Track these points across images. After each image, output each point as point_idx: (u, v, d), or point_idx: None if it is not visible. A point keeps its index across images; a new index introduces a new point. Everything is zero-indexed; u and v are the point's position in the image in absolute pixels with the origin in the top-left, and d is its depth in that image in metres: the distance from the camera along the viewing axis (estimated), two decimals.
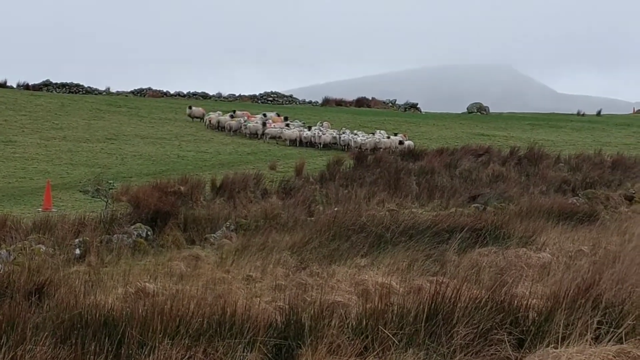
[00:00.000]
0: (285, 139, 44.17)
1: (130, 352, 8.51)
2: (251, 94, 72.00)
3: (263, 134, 45.59)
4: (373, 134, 43.79)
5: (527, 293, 9.96)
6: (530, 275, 12.32)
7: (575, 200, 25.97)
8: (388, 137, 42.66)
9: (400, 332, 8.62)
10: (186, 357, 8.37)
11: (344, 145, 42.09)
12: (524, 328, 8.81)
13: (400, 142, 41.29)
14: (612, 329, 8.61)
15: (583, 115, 70.05)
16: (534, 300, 9.47)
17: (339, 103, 71.79)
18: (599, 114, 71.13)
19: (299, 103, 71.44)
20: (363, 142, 41.61)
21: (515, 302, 9.18)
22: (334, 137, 42.97)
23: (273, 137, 44.67)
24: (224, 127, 48.25)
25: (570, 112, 72.90)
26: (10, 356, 8.20)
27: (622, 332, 8.57)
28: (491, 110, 72.86)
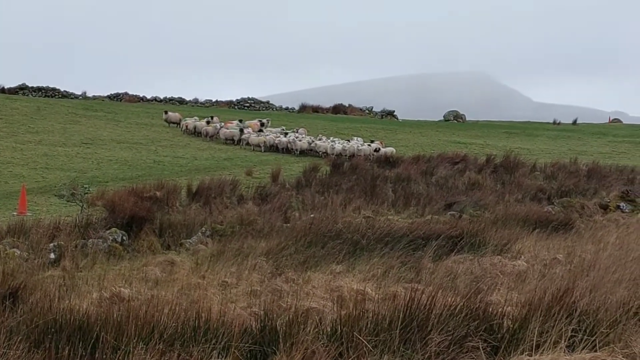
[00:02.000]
0: (259, 145, 44.12)
1: (105, 356, 8.47)
2: (227, 99, 71.98)
3: (239, 140, 45.52)
4: (348, 140, 43.83)
5: (502, 301, 10.00)
6: (506, 283, 12.36)
7: (550, 209, 26.11)
8: (368, 144, 42.71)
9: (376, 339, 8.62)
10: None
11: (321, 152, 42.11)
12: (499, 335, 8.83)
13: (376, 150, 41.31)
14: (586, 337, 8.65)
15: (559, 124, 70.47)
16: (509, 307, 9.51)
17: (316, 110, 71.87)
18: (575, 122, 71.58)
19: (276, 109, 71.43)
20: (343, 149, 41.63)
21: (490, 309, 9.20)
22: (310, 144, 43.00)
23: (251, 144, 44.58)
24: (200, 133, 48.17)
25: (546, 121, 73.33)
26: None
27: (595, 340, 8.62)
28: (468, 118, 73.18)
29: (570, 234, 19.81)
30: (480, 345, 8.59)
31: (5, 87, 67.54)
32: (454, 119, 71.44)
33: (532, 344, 8.48)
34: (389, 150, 42.10)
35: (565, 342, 8.47)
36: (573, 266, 13.57)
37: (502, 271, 13.85)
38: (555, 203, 28.37)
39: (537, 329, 8.62)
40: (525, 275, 13.26)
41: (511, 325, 8.93)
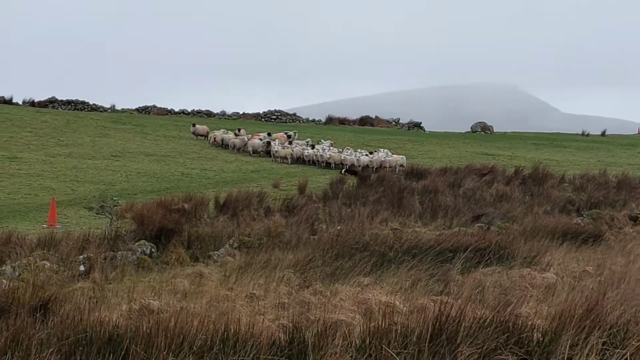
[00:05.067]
0: (286, 157, 44.22)
1: None
2: (255, 112, 72.14)
3: (268, 152, 45.63)
4: (371, 153, 43.72)
5: (531, 313, 9.94)
6: (535, 295, 12.29)
7: (579, 221, 25.97)
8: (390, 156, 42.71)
9: (404, 352, 8.60)
10: None
11: (347, 165, 42.10)
12: (529, 348, 8.78)
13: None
14: (617, 350, 8.59)
15: (588, 135, 70.06)
16: (539, 320, 9.46)
17: (343, 122, 71.84)
18: (603, 134, 71.16)
19: (303, 121, 71.49)
20: (370, 161, 41.61)
21: (520, 322, 9.15)
22: (337, 156, 43.01)
23: (280, 157, 44.66)
24: (227, 145, 48.34)
25: (574, 132, 72.92)
26: None
27: (627, 353, 8.55)
28: (495, 130, 72.90)
29: (600, 246, 19.69)
30: (510, 358, 8.55)
31: (35, 101, 68.07)
32: (482, 130, 71.16)
33: (563, 357, 8.43)
34: (399, 158, 42.03)
35: (596, 355, 8.42)
36: (603, 278, 13.48)
37: (531, 283, 13.78)
38: (584, 215, 28.21)
39: (568, 341, 8.57)
40: (554, 287, 13.18)
41: (541, 338, 8.87)
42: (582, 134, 70.35)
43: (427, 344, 8.68)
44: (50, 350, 8.61)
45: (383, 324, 9.01)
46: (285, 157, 44.37)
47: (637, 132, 79.18)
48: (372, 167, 40.85)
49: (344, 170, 39.64)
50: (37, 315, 10.46)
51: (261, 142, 46.72)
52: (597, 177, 38.57)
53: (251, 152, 46.53)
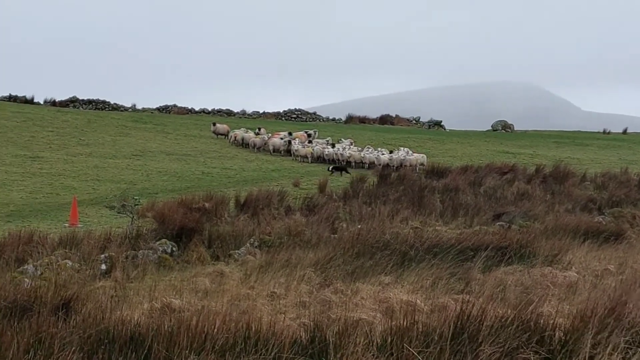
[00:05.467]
0: (306, 156, 44.26)
1: None
2: (275, 111, 72.19)
3: (288, 151, 45.70)
4: (391, 152, 43.66)
5: (553, 312, 9.90)
6: (557, 294, 12.25)
7: (601, 219, 25.84)
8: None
9: (426, 351, 8.60)
10: None
11: (367, 163, 42.07)
12: (551, 347, 8.76)
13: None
14: None
15: (609, 133, 69.72)
16: (561, 319, 9.42)
17: (363, 120, 71.78)
18: (625, 132, 70.79)
19: (323, 120, 71.49)
20: (390, 159, 41.55)
21: (542, 321, 9.13)
22: (357, 155, 42.99)
23: (300, 156, 44.69)
24: (248, 144, 48.42)
25: (596, 130, 72.57)
26: None
27: None
28: (516, 128, 72.63)
29: (622, 244, 19.59)
30: (532, 357, 8.53)
31: (57, 100, 68.45)
32: (502, 128, 70.93)
33: (585, 356, 8.40)
34: (420, 157, 41.97)
35: (618, 354, 8.38)
36: (625, 277, 13.42)
37: (552, 282, 13.74)
38: (605, 213, 28.06)
39: (589, 340, 8.53)
40: (576, 286, 13.14)
41: (563, 337, 8.85)
42: (604, 132, 70.03)
43: (448, 343, 8.68)
44: (73, 348, 8.66)
45: (404, 323, 9.01)
46: (305, 156, 44.40)
47: None
48: (392, 166, 40.78)
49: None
50: (59, 314, 10.52)
51: (282, 141, 46.77)
52: (618, 175, 38.36)
53: (272, 151, 46.59)
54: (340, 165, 40.05)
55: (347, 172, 38.27)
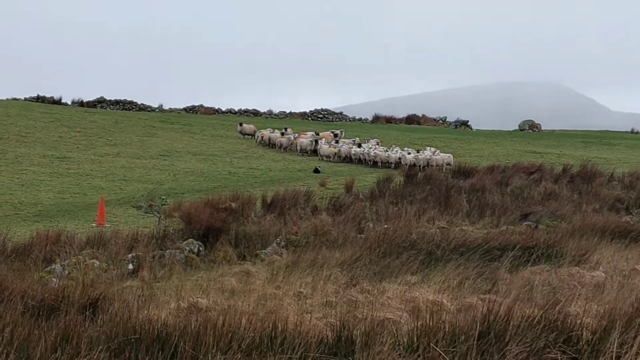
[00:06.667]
0: (333, 156, 44.27)
1: None
2: (301, 111, 72.27)
3: (315, 151, 45.72)
4: (418, 151, 43.54)
5: (580, 312, 9.85)
6: (584, 294, 12.19)
7: (629, 219, 25.69)
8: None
9: (453, 350, 8.57)
10: None
11: (392, 163, 41.98)
12: (578, 347, 8.71)
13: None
14: None
15: (637, 133, 69.23)
16: (588, 319, 9.37)
17: (389, 120, 71.70)
18: None
19: (349, 120, 71.48)
20: (415, 159, 41.47)
21: (569, 320, 9.08)
22: (384, 155, 42.93)
23: (327, 156, 44.70)
24: (274, 144, 48.51)
25: (623, 130, 72.05)
26: None
27: None
28: (543, 128, 72.24)
29: None
30: (559, 357, 8.49)
31: (84, 101, 68.89)
32: (529, 128, 70.59)
33: (612, 355, 8.35)
34: (446, 157, 41.84)
35: None
36: None
37: (580, 282, 13.67)
38: (633, 213, 27.91)
39: (617, 340, 8.48)
40: (603, 286, 13.06)
41: (591, 337, 8.80)
42: (632, 132, 69.53)
43: (475, 343, 8.65)
44: (100, 348, 8.70)
45: (431, 323, 8.99)
46: (332, 156, 44.41)
47: None
48: (419, 166, 40.70)
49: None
50: (87, 313, 10.59)
51: (309, 141, 46.80)
52: None
53: (298, 151, 46.64)
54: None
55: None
